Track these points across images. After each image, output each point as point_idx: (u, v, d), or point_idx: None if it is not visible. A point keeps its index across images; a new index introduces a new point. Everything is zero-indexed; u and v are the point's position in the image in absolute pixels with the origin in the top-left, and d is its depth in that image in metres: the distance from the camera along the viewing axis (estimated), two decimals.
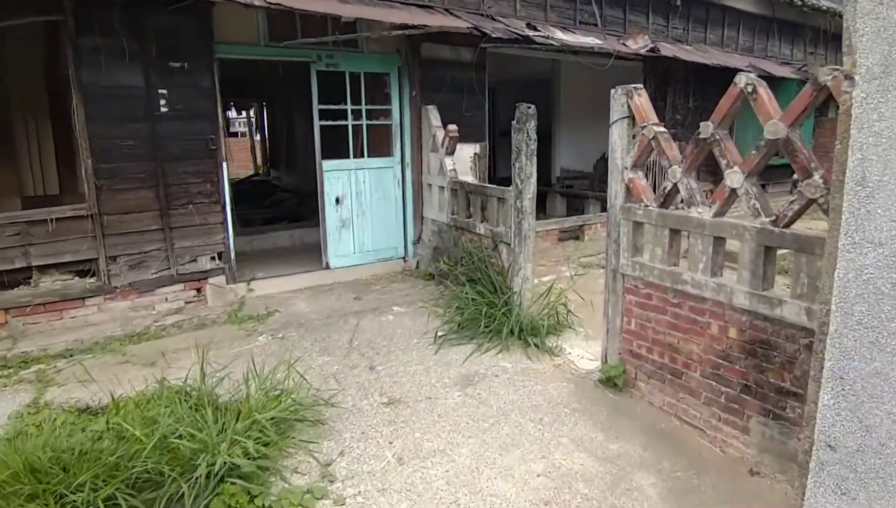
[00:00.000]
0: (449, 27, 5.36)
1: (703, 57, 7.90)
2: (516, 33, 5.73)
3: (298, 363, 4.18)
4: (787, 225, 2.64)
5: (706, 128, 2.94)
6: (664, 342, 3.48)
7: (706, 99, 8.88)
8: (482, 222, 5.67)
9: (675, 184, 3.21)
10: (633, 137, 3.56)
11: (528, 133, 4.67)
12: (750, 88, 2.69)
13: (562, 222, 8.31)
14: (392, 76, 6.59)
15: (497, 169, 11.19)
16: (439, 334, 4.84)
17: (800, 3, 9.73)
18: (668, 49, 7.28)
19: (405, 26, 5.18)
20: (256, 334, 4.95)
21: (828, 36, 11.48)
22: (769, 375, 2.87)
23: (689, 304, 3.27)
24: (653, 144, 3.33)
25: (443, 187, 6.34)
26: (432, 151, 6.49)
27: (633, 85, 3.43)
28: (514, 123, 4.74)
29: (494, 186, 5.44)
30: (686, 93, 8.86)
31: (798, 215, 2.61)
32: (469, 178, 6.69)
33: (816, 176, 2.47)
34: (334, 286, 6.41)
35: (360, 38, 5.90)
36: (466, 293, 5.14)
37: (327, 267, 6.58)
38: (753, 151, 2.72)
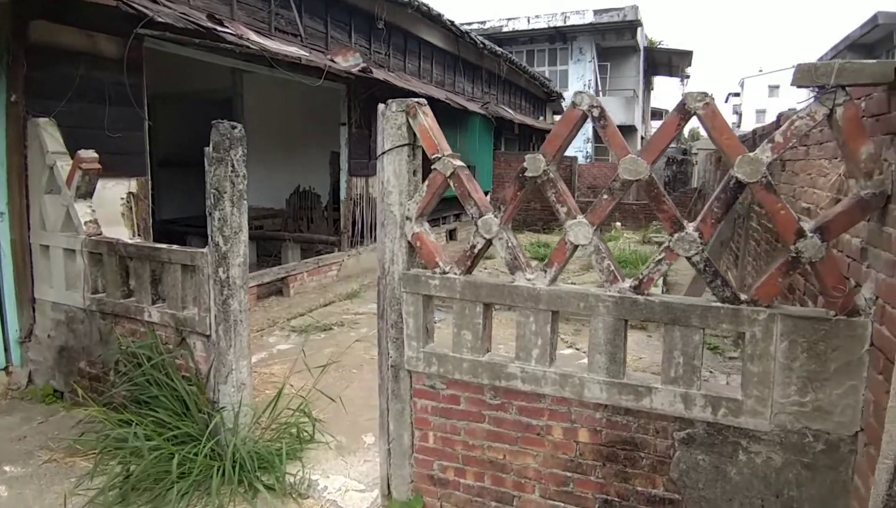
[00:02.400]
0: None
1: (410, 85, 7.80)
2: (196, 24, 4.13)
3: None
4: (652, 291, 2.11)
5: (536, 163, 2.21)
6: (483, 458, 2.57)
7: None
8: (155, 303, 3.76)
9: (490, 240, 2.39)
10: (414, 173, 2.62)
11: (233, 165, 3.20)
12: (596, 113, 2.08)
13: (260, 275, 6.79)
14: None
15: (159, 211, 8.80)
16: None
17: (482, 45, 11.04)
18: (379, 73, 6.81)
19: None
20: None
21: (501, 79, 13.60)
22: (636, 482, 2.26)
23: (517, 404, 2.46)
24: (452, 183, 2.44)
25: (74, 251, 4.07)
26: (50, 193, 4.14)
27: (415, 99, 2.49)
28: (209, 150, 3.19)
29: (176, 247, 3.67)
30: None
31: (662, 275, 2.10)
32: (123, 232, 4.58)
33: (690, 228, 1.99)
34: None
35: None
36: (135, 431, 3.16)
37: None
38: (606, 197, 2.12)
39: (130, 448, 3.11)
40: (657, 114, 36.67)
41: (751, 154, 1.85)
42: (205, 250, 3.40)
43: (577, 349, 5.04)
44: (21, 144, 4.12)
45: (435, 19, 9.17)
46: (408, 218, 2.57)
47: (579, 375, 2.28)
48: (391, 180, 2.58)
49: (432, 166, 2.47)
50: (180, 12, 4.12)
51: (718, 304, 1.99)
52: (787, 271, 1.88)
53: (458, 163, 2.44)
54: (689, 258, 2.00)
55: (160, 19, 3.81)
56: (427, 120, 2.46)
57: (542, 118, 18.31)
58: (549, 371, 2.33)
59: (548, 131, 17.82)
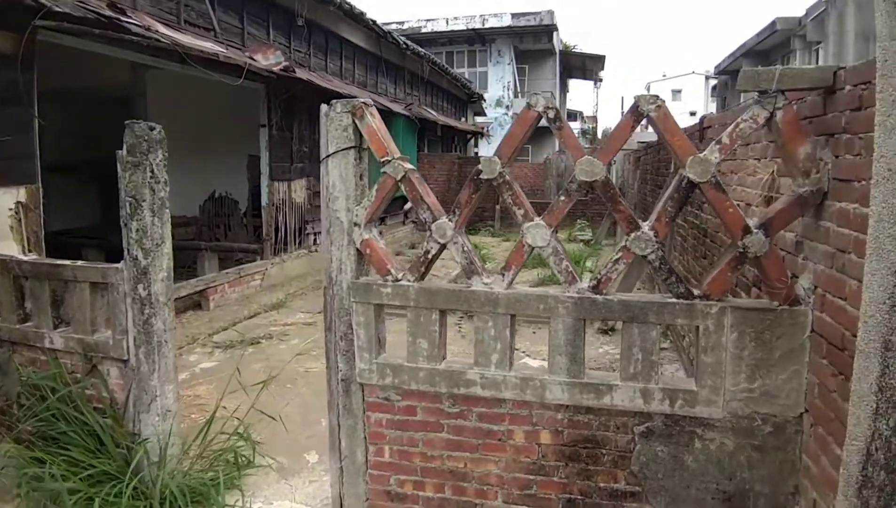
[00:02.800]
0: None
1: (333, 85, 7.51)
2: (98, 14, 3.68)
3: None
4: (609, 290, 2.14)
5: (492, 165, 2.17)
6: (442, 469, 2.49)
7: None
8: (58, 327, 3.34)
9: (444, 245, 2.32)
10: (361, 177, 2.49)
11: (153, 171, 2.88)
12: (552, 114, 2.07)
13: (176, 288, 6.20)
14: None
15: (48, 223, 7.91)
16: None
17: (405, 46, 10.84)
18: (302, 72, 6.48)
19: None
20: None
21: (423, 80, 13.42)
22: (598, 479, 2.28)
23: (477, 411, 2.41)
24: (403, 187, 2.35)
25: None
26: None
27: (362, 100, 2.37)
28: (122, 154, 2.86)
29: (82, 263, 3.27)
30: (312, 124, 8.29)
31: (620, 275, 2.13)
32: (12, 248, 4.05)
33: (645, 228, 2.04)
34: None
35: None
36: (51, 472, 2.78)
37: None
38: (563, 198, 2.11)
39: (48, 492, 2.74)
40: (573, 115, 38.24)
41: (700, 155, 1.92)
42: (120, 265, 3.06)
43: (517, 350, 5.08)
44: None
45: (357, 18, 8.91)
46: (356, 224, 2.44)
47: (540, 377, 2.27)
48: (337, 185, 2.44)
49: (382, 169, 2.36)
50: (77, 1, 3.65)
51: (674, 300, 2.05)
52: (736, 265, 1.98)
53: (409, 166, 2.35)
54: (645, 257, 2.05)
55: (58, 9, 3.34)
56: (374, 121, 2.35)
57: (463, 119, 18.47)
58: (509, 376, 2.31)
59: (470, 133, 18.03)
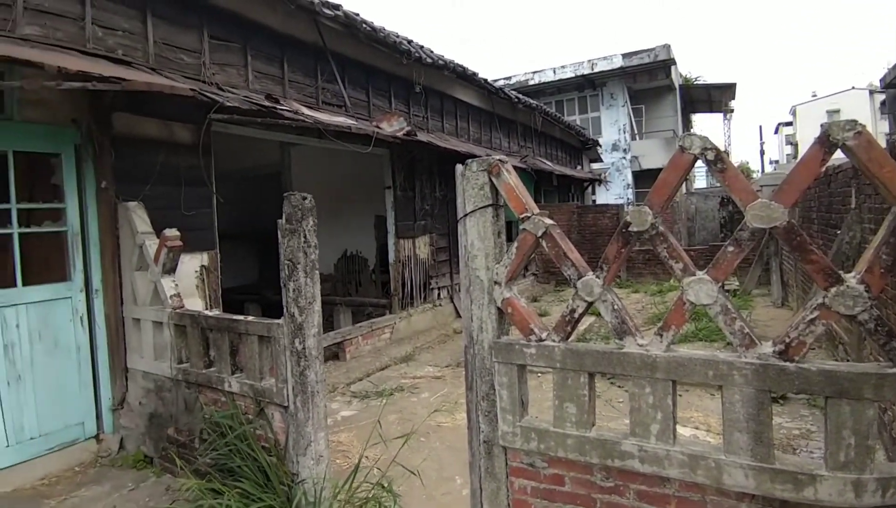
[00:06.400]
0: (161, 86, 3.36)
1: (451, 145, 7.61)
2: (259, 105, 4.06)
3: None
4: (804, 357, 1.64)
5: (642, 216, 1.82)
6: None
7: (450, 189, 8.69)
8: (234, 373, 3.51)
9: (591, 303, 1.99)
10: (499, 234, 2.28)
11: (305, 236, 2.95)
12: (711, 155, 1.69)
13: None
14: (65, 158, 3.99)
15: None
16: None
17: (516, 100, 10.75)
18: (422, 135, 6.65)
19: (85, 76, 2.98)
20: None
21: (536, 131, 13.05)
22: None
23: (635, 488, 1.97)
24: (544, 244, 2.08)
25: (161, 323, 3.92)
26: (140, 270, 4.04)
27: (498, 157, 2.18)
28: (282, 222, 2.97)
29: (252, 318, 3.44)
30: (432, 183, 8.40)
31: (818, 339, 1.63)
32: (197, 304, 4.44)
33: (852, 280, 1.54)
34: None
35: (7, 90, 3.31)
36: (229, 504, 2.84)
37: None
38: (732, 249, 1.69)
39: None
40: None
41: None
42: (280, 321, 3.14)
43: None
44: (113, 226, 4.09)
45: (469, 79, 8.99)
46: (496, 283, 2.21)
47: (714, 457, 1.79)
48: (475, 243, 2.24)
49: (521, 226, 2.12)
50: (243, 95, 4.08)
51: None
52: None
53: (549, 221, 2.08)
54: (853, 317, 1.53)
55: (229, 104, 3.75)
56: (511, 178, 2.14)
57: (578, 167, 17.66)
58: (673, 451, 1.86)
59: (587, 180, 17.12)
